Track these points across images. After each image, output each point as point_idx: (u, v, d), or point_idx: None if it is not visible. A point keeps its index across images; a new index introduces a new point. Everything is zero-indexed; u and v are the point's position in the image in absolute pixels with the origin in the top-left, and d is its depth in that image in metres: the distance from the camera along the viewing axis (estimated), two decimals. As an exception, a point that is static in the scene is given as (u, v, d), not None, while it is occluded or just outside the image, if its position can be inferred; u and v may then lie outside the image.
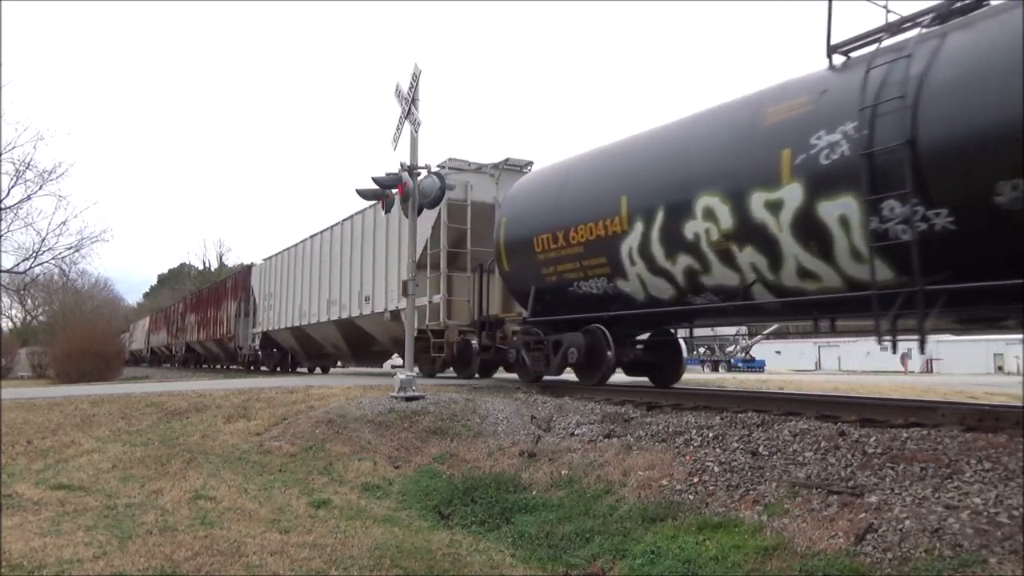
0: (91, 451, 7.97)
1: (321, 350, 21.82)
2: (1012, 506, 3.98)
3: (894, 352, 6.53)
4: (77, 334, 29.71)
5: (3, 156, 28.20)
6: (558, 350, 10.40)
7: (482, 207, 13.66)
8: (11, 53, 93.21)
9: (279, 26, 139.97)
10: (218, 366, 34.04)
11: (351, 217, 17.87)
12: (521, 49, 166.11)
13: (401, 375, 9.81)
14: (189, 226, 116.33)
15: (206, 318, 31.82)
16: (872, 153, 6.19)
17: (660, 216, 8.44)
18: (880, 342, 6.43)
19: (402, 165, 10.66)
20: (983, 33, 5.84)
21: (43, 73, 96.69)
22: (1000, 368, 40.70)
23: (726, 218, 7.60)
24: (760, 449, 5.79)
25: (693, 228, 8.02)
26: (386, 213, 12.50)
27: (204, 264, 70.70)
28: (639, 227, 8.75)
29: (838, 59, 7.09)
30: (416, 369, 11.07)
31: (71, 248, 32.25)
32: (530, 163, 14.00)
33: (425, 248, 13.47)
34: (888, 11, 6.82)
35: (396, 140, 11.15)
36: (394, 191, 10.70)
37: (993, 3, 6.14)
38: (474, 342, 13.32)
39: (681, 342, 11.19)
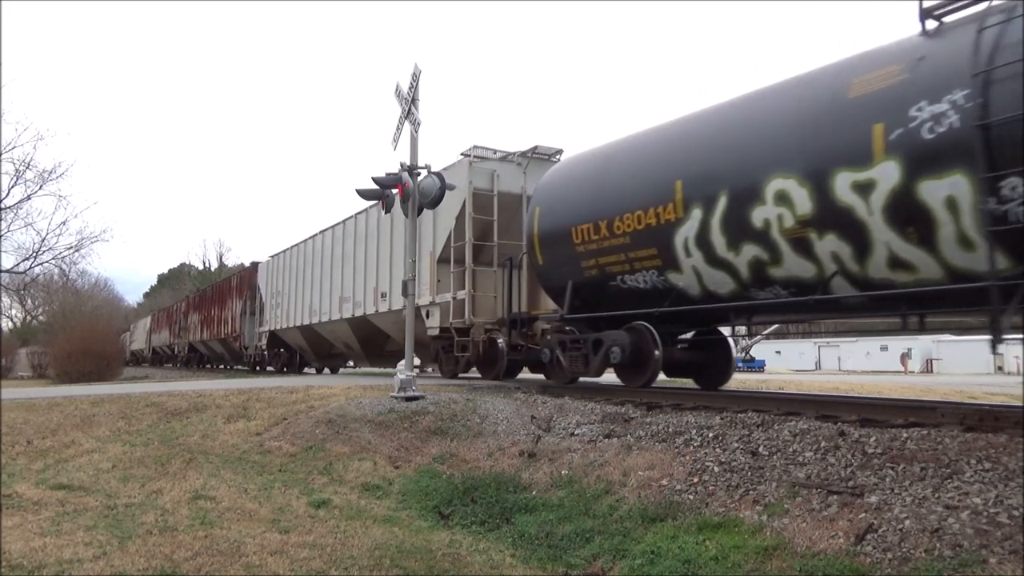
0: (91, 451, 7.97)
1: (331, 350, 21.13)
2: (1012, 506, 3.98)
3: (993, 352, 6.08)
4: (77, 334, 29.76)
5: (3, 156, 28.26)
6: (598, 350, 9.64)
7: (509, 198, 12.95)
8: (11, 53, 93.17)
9: (279, 26, 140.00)
10: (221, 366, 33.54)
11: (366, 210, 17.01)
12: (526, 45, 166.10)
13: (401, 375, 9.82)
14: (189, 226, 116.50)
15: (210, 317, 31.22)
16: (990, 124, 5.53)
17: (722, 202, 7.72)
18: (996, 341, 5.79)
19: (402, 165, 10.66)
20: None
21: (43, 73, 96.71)
22: (1000, 368, 40.67)
23: (803, 202, 6.91)
24: (760, 449, 5.79)
25: (762, 214, 7.33)
26: (386, 213, 12.50)
27: (204, 264, 70.76)
28: (697, 214, 8.02)
29: (930, 25, 6.37)
30: (410, 372, 11.03)
31: (71, 248, 32.39)
32: (559, 151, 13.25)
33: (448, 241, 12.99)
34: None
35: (396, 140, 11.16)
36: (394, 191, 10.70)
37: None
38: (500, 341, 12.58)
39: (730, 341, 10.36)
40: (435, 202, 10.80)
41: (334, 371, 23.20)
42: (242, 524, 5.50)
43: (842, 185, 6.60)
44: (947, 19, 6.37)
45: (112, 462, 7.44)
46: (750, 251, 7.59)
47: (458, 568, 4.76)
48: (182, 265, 74.78)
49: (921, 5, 6.36)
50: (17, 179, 29.49)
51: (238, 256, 79.65)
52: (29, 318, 54.80)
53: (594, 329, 9.99)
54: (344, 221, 18.40)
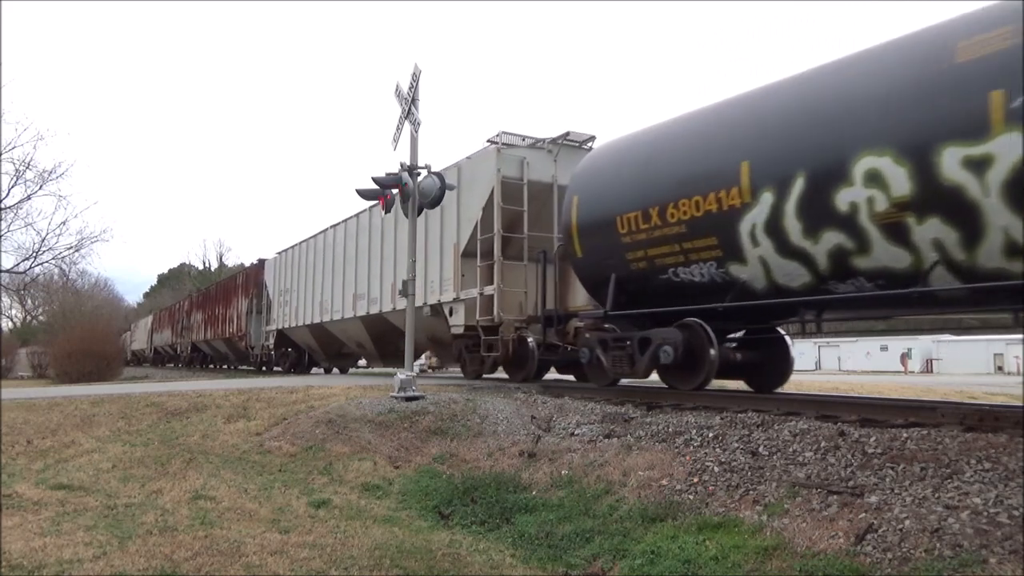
0: (91, 451, 7.97)
1: (341, 349, 20.46)
2: (1012, 506, 3.98)
3: None
4: (77, 334, 29.74)
5: (3, 156, 28.28)
6: (645, 349, 8.85)
7: (539, 187, 12.22)
8: (11, 53, 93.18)
9: (279, 26, 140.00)
10: (224, 366, 32.76)
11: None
12: (526, 43, 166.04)
13: (401, 375, 9.82)
14: (189, 226, 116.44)
15: (214, 316, 30.45)
16: None
17: (799, 184, 6.99)
18: None
19: (402, 165, 10.67)
20: None
21: (43, 73, 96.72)
22: (1000, 368, 40.68)
23: (900, 183, 6.19)
24: (760, 449, 5.79)
25: (849, 197, 6.58)
26: (386, 213, 12.49)
27: (204, 264, 70.73)
28: (767, 199, 7.29)
29: None
30: (411, 372, 11.00)
31: (71, 248, 32.41)
32: (591, 137, 12.52)
33: (474, 233, 12.29)
34: None
35: (396, 140, 11.17)
36: (394, 191, 10.70)
37: None
38: (530, 340, 11.77)
39: (788, 339, 9.40)
40: (435, 202, 10.80)
41: (343, 371, 22.63)
42: (242, 524, 5.50)
43: (950, 162, 5.85)
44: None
45: (112, 462, 7.44)
46: (831, 239, 6.84)
47: (458, 568, 4.76)
48: (182, 265, 74.83)
49: None
50: (17, 179, 29.56)
51: (238, 256, 79.72)
52: (29, 318, 54.86)
53: (637, 327, 9.26)
54: (358, 215, 17.70)
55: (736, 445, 5.99)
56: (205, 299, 32.97)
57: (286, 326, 22.22)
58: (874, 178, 6.40)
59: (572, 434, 7.49)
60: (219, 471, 7.13)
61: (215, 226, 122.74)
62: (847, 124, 6.68)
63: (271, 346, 23.94)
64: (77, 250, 32.53)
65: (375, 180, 10.63)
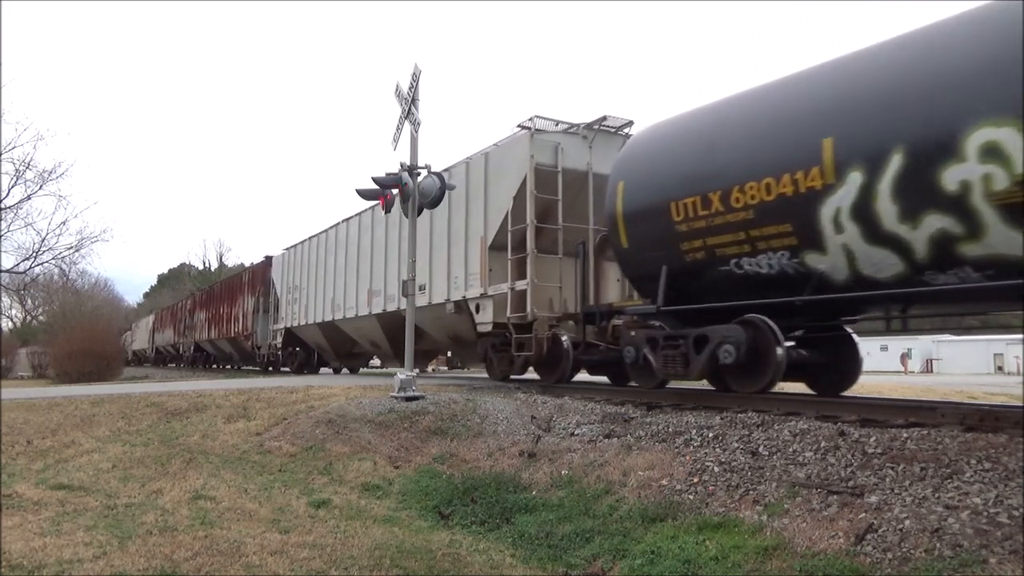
0: (91, 451, 7.97)
1: (354, 348, 19.58)
2: (1012, 506, 3.98)
3: None
4: (77, 334, 29.73)
5: (3, 156, 28.29)
6: (701, 348, 8.12)
7: (573, 175, 11.48)
8: (11, 53, 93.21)
9: (279, 26, 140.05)
10: (228, 367, 32.09)
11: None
12: (526, 41, 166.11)
13: (401, 375, 9.82)
14: (189, 226, 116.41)
15: (218, 315, 29.63)
16: None
17: (896, 161, 6.27)
18: None
19: (402, 165, 10.67)
20: None
21: (43, 73, 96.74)
22: (1000, 368, 40.71)
23: None
24: (760, 449, 5.79)
25: (959, 175, 5.87)
26: (386, 213, 12.46)
27: (204, 264, 70.76)
28: (855, 179, 6.56)
29: None
30: (411, 372, 10.97)
31: (71, 248, 32.40)
32: (630, 122, 11.81)
33: (504, 223, 11.53)
34: None
35: (396, 140, 11.18)
36: (394, 191, 10.71)
37: None
38: (565, 338, 11.01)
39: (855, 337, 8.55)
40: (435, 202, 10.80)
41: (354, 371, 21.87)
42: (242, 524, 5.50)
43: None
44: None
45: (112, 462, 7.45)
46: (935, 223, 6.09)
47: (458, 568, 4.76)
48: (182, 265, 74.86)
49: None
50: (17, 179, 29.58)
51: (238, 256, 79.81)
52: (29, 318, 54.89)
53: (688, 324, 8.58)
54: (373, 207, 16.35)
55: (736, 445, 5.99)
56: (209, 298, 32.19)
57: (295, 325, 21.41)
58: (992, 152, 5.68)
59: (572, 434, 7.49)
60: (219, 471, 7.13)
61: (215, 226, 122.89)
62: (960, 91, 5.92)
63: (279, 345, 23.04)
64: (77, 250, 32.58)
65: (375, 180, 10.63)
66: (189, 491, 6.38)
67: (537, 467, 6.88)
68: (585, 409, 8.27)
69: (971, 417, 5.79)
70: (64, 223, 46.46)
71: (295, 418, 8.96)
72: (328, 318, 18.84)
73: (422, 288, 13.85)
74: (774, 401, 7.64)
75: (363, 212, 17.43)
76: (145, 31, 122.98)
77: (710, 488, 5.44)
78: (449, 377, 17.84)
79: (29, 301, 48.28)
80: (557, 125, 11.63)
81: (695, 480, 5.62)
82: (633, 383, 10.09)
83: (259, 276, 25.31)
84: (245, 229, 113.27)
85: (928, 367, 42.32)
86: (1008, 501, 4.04)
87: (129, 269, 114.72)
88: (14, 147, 28.82)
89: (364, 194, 10.92)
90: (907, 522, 4.13)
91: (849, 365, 8.56)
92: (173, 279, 73.43)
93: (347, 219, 18.26)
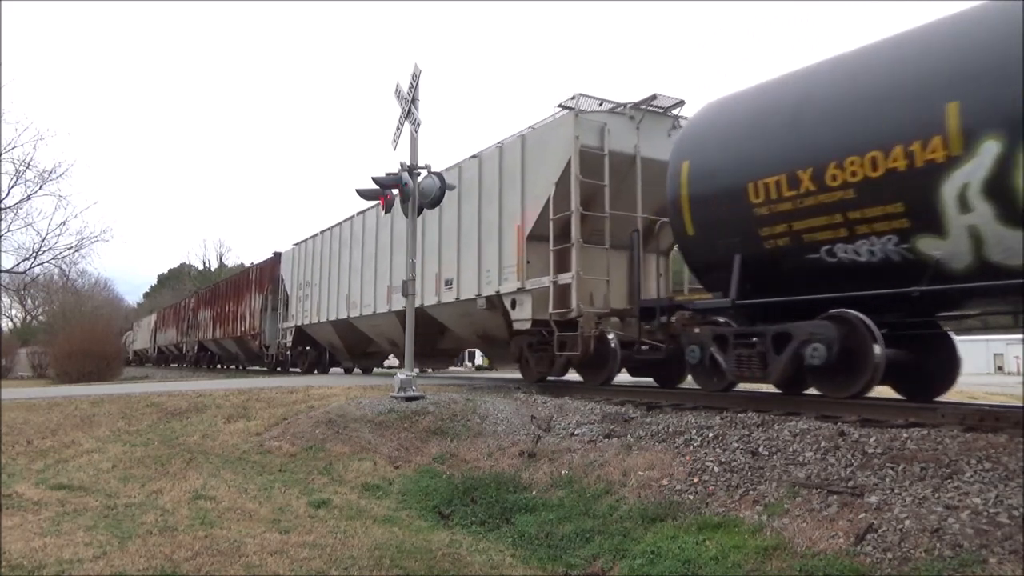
0: (91, 451, 7.98)
1: (369, 347, 18.70)
2: (1012, 506, 3.98)
3: None
4: (77, 334, 29.72)
5: (3, 156, 28.30)
6: (782, 347, 7.32)
7: (620, 158, 10.68)
8: (11, 53, 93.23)
9: (279, 26, 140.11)
10: (233, 367, 31.45)
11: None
12: (526, 40, 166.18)
13: (401, 375, 9.83)
14: (189, 226, 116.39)
15: (223, 313, 28.78)
16: None
17: None
18: None
19: (402, 165, 10.68)
20: None
21: (43, 73, 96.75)
22: (1000, 368, 40.68)
23: None
24: (760, 449, 5.79)
25: None
26: (386, 213, 12.44)
27: (204, 264, 70.81)
28: (990, 150, 5.74)
29: None
30: (411, 372, 10.93)
31: (71, 248, 32.36)
32: (680, 102, 11.09)
33: (544, 211, 10.74)
34: None
35: (396, 140, 11.18)
36: (395, 191, 10.72)
37: None
38: (611, 336, 10.11)
39: (953, 336, 7.69)
40: (435, 202, 10.80)
41: (367, 371, 21.02)
42: (242, 524, 5.50)
43: None
44: None
45: (112, 462, 7.45)
46: None
47: (458, 568, 4.76)
48: (182, 265, 74.90)
49: None
50: (17, 179, 29.55)
51: (238, 256, 79.84)
52: (29, 318, 54.93)
53: (758, 320, 7.86)
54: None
55: (736, 445, 5.99)
56: (214, 296, 31.43)
57: (306, 323, 20.52)
58: None
59: (572, 434, 7.49)
60: (219, 471, 7.13)
61: (215, 226, 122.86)
62: None
63: (288, 345, 22.16)
64: (77, 250, 32.53)
65: (375, 180, 10.64)
66: (189, 491, 6.38)
67: (537, 467, 6.88)
68: (585, 409, 8.27)
69: (971, 417, 5.78)
70: (64, 223, 46.50)
71: (295, 418, 8.96)
72: (343, 316, 18.04)
73: (448, 283, 13.21)
74: (774, 401, 7.64)
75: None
76: (145, 31, 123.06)
77: (710, 488, 5.44)
78: (449, 377, 17.84)
79: (29, 301, 48.36)
80: (601, 105, 10.86)
81: (695, 480, 5.62)
82: (695, 385, 9.25)
83: (267, 273, 24.59)
84: (245, 229, 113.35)
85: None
86: (1008, 501, 4.04)
87: (129, 269, 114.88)
88: (14, 147, 28.83)
89: (364, 194, 10.93)
90: (907, 522, 4.13)
91: (946, 366, 7.65)
92: (173, 279, 73.45)
93: (363, 212, 17.37)
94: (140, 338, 51.21)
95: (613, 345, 10.06)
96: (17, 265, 32.34)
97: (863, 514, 4.39)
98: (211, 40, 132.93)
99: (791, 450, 5.61)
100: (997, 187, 5.74)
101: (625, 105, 10.89)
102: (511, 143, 11.80)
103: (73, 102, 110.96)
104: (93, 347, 28.20)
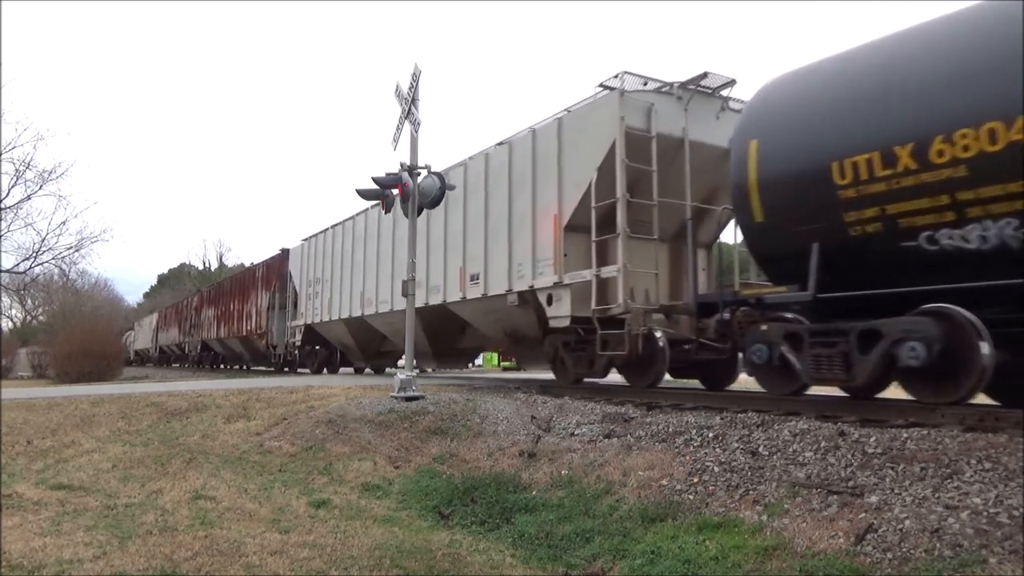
0: (91, 451, 7.98)
1: (383, 346, 18.01)
2: (1012, 506, 3.98)
3: None
4: (77, 334, 29.70)
5: (3, 156, 28.30)
6: (869, 347, 6.59)
7: (667, 142, 9.87)
8: (11, 53, 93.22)
9: (279, 26, 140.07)
10: (237, 367, 30.96)
11: (448, 172, 12.64)
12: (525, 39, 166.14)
13: (401, 375, 9.83)
14: (189, 226, 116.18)
15: (228, 312, 28.07)
16: None
17: None
18: None
19: (402, 165, 10.68)
20: None
21: (43, 73, 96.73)
22: (1000, 368, 40.55)
23: None
24: (760, 449, 5.79)
25: None
26: (386, 213, 12.44)
27: (204, 264, 70.78)
28: None
29: None
30: (411, 372, 10.91)
31: (71, 248, 32.32)
32: (732, 81, 10.28)
33: (584, 199, 9.92)
34: None
35: (396, 140, 11.18)
36: (395, 191, 10.72)
37: None
38: (659, 335, 9.33)
39: None
40: (435, 202, 10.81)
41: (379, 371, 20.38)
42: (242, 524, 5.50)
43: None
44: None
45: (112, 462, 7.45)
46: None
47: (458, 568, 4.76)
48: (182, 265, 74.84)
49: None
50: (17, 179, 29.52)
51: (238, 256, 79.74)
52: (29, 318, 54.92)
53: (830, 316, 7.16)
54: None
55: (736, 445, 5.99)
56: (218, 294, 30.64)
57: (316, 321, 19.67)
58: None
59: (572, 434, 7.50)
60: (219, 471, 7.13)
61: (215, 226, 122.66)
62: None
63: (297, 344, 21.30)
64: (77, 250, 32.49)
65: (375, 180, 10.64)
66: (189, 491, 6.38)
67: (537, 467, 6.88)
68: (585, 409, 8.27)
69: (971, 417, 5.78)
70: (64, 223, 46.38)
71: (295, 418, 8.96)
72: (356, 313, 17.15)
73: (475, 278, 12.40)
74: (774, 401, 7.64)
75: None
76: (145, 31, 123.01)
77: (710, 488, 5.44)
78: (449, 377, 17.85)
79: (29, 301, 48.35)
80: (647, 84, 10.13)
81: (695, 480, 5.63)
82: (761, 387, 8.37)
83: (274, 270, 23.73)
84: (245, 229, 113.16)
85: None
86: (1008, 501, 4.04)
87: (129, 269, 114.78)
88: (14, 147, 28.81)
89: (365, 194, 10.93)
90: (907, 522, 4.13)
91: None
92: (173, 279, 73.46)
93: (376, 205, 16.38)
94: (141, 338, 51.02)
95: (661, 344, 9.31)
96: (17, 265, 32.35)
97: (863, 514, 4.39)
98: (211, 40, 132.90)
99: (791, 450, 5.61)
100: None
101: (672, 85, 10.14)
102: (546, 127, 11.07)
103: (73, 102, 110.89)
104: (93, 347, 28.18)
